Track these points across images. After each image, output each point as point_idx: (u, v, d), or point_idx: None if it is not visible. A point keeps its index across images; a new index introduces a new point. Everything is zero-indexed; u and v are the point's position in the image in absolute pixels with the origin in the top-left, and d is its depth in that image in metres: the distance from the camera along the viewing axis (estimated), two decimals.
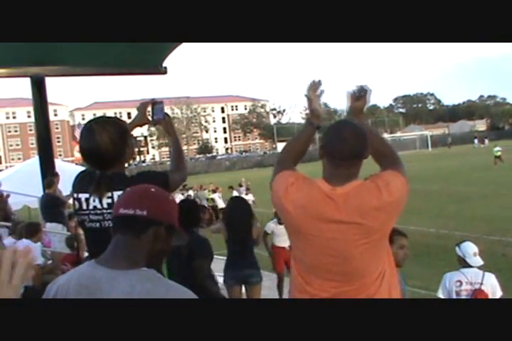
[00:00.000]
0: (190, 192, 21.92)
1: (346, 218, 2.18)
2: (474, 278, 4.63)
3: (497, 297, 4.54)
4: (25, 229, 6.69)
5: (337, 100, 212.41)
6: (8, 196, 9.51)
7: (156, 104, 2.76)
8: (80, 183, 2.51)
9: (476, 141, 64.98)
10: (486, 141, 63.69)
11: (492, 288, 4.59)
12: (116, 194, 2.34)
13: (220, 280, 5.42)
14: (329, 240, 2.21)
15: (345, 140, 2.22)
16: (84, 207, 2.44)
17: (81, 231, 4.62)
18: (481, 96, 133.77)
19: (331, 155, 2.27)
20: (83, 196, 2.45)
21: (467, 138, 74.29)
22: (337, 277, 2.26)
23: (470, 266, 4.70)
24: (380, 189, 2.19)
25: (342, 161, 2.23)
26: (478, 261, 4.71)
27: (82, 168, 2.79)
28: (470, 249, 4.75)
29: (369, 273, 2.25)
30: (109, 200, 2.38)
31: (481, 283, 4.58)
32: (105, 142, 2.40)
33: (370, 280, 2.24)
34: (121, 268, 1.61)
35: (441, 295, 4.81)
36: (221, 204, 19.14)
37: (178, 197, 20.90)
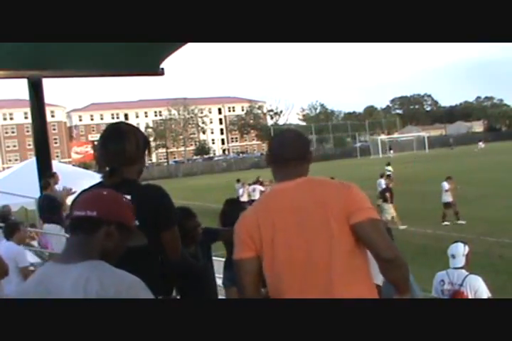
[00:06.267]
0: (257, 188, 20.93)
1: None
2: (456, 279, 4.72)
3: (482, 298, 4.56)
4: (4, 230, 6.52)
5: (334, 101, 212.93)
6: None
7: None
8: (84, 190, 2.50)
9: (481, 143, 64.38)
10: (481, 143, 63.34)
11: (472, 289, 4.62)
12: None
13: (219, 281, 5.40)
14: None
15: (286, 142, 2.43)
16: None
17: None
18: (478, 97, 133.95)
19: (276, 158, 2.43)
20: None
21: (466, 140, 74.54)
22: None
23: (459, 267, 4.76)
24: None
25: (287, 162, 2.38)
26: (453, 263, 4.80)
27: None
28: (450, 251, 4.87)
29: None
30: None
31: (461, 284, 4.65)
32: (132, 145, 2.50)
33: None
34: (73, 262, 1.71)
35: (433, 293, 4.89)
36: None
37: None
